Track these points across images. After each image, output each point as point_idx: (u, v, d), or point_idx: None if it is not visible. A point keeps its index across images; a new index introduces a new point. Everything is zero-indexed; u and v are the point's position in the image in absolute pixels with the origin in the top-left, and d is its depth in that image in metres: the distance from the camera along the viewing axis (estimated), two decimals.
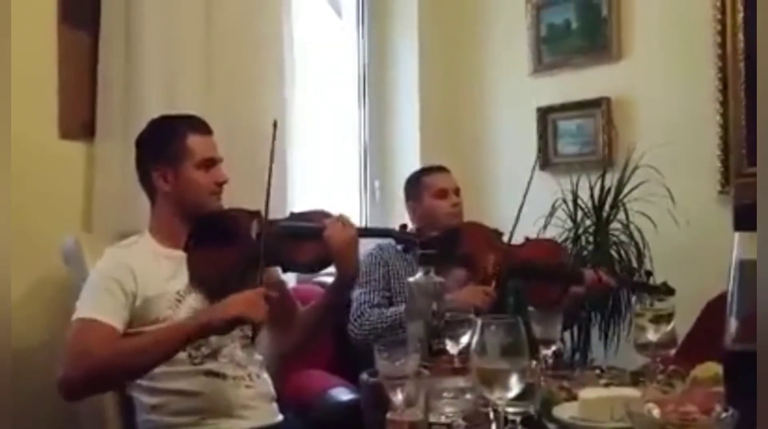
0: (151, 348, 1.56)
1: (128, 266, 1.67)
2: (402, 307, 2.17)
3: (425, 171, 2.52)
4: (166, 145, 1.75)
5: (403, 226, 1.87)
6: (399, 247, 2.27)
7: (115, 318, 1.60)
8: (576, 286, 2.23)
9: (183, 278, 1.72)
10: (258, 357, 1.81)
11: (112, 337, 1.58)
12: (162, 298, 1.67)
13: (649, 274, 2.21)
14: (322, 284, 2.36)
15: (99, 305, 1.61)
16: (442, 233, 2.23)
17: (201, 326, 1.55)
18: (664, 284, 2.07)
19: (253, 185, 2.37)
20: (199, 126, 1.80)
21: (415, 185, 2.49)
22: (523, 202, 2.19)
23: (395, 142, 3.31)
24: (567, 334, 2.59)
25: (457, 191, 2.44)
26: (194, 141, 1.76)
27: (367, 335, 2.19)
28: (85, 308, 1.61)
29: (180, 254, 1.75)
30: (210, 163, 1.77)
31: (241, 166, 2.34)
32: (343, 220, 1.77)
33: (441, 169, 2.50)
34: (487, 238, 2.28)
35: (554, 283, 2.21)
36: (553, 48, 3.09)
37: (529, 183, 2.21)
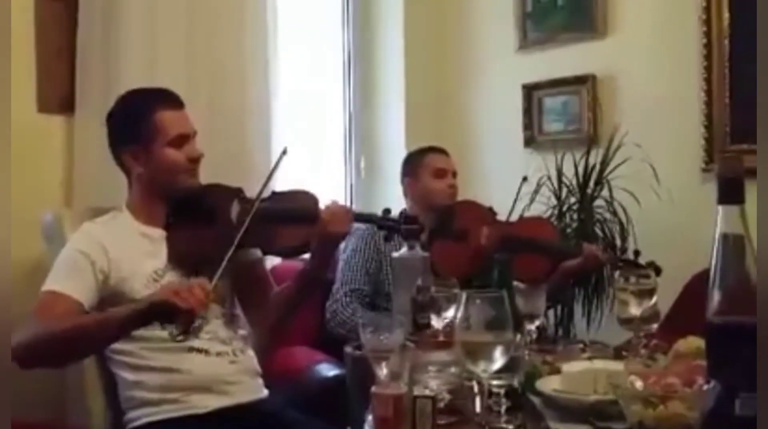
0: (95, 328, 1.53)
1: (101, 244, 1.64)
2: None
3: (426, 150, 2.54)
4: (135, 124, 1.69)
5: (387, 211, 1.83)
6: (381, 233, 2.27)
7: (81, 293, 1.58)
8: (570, 259, 2.28)
9: (161, 256, 1.70)
10: (242, 333, 1.79)
11: (74, 311, 1.56)
12: (137, 276, 1.65)
13: (637, 253, 2.23)
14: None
15: (66, 279, 1.60)
16: (437, 209, 2.29)
17: (136, 310, 1.48)
18: (652, 264, 2.09)
19: (235, 159, 2.35)
20: (169, 100, 1.73)
21: (414, 163, 2.51)
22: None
23: (381, 119, 3.29)
24: (550, 310, 2.61)
25: (454, 173, 2.49)
26: (164, 117, 1.69)
27: (335, 328, 2.27)
28: (52, 281, 1.60)
29: (159, 232, 1.73)
30: (182, 139, 1.71)
31: (224, 139, 2.32)
32: (339, 211, 1.72)
33: (441, 151, 2.53)
34: (481, 213, 2.33)
35: (545, 257, 2.25)
36: (539, 24, 3.08)
37: None
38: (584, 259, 2.26)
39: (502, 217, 2.35)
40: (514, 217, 2.37)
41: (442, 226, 2.20)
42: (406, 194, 2.51)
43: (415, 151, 2.58)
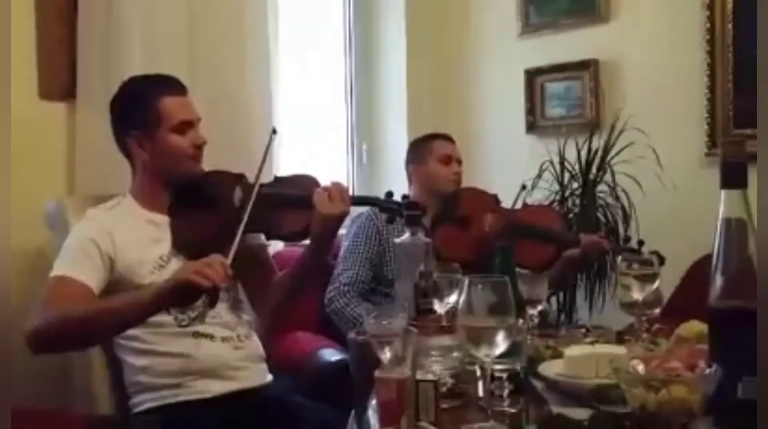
0: (116, 312, 1.52)
1: (108, 230, 1.65)
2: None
3: (432, 137, 2.55)
4: (139, 110, 1.69)
5: (389, 194, 1.83)
6: (383, 217, 2.27)
7: (90, 278, 1.58)
8: (571, 249, 2.27)
9: (166, 243, 1.70)
10: (247, 318, 1.80)
11: (85, 296, 1.56)
12: (143, 263, 1.66)
13: (641, 243, 2.23)
14: None
15: (75, 265, 1.60)
16: (442, 195, 2.31)
17: (158, 294, 1.46)
18: (656, 253, 2.10)
19: (236, 146, 2.35)
20: (173, 86, 1.73)
21: (420, 149, 2.52)
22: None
23: (382, 106, 3.28)
24: (553, 296, 2.62)
25: (459, 161, 2.49)
26: (168, 103, 1.69)
27: (330, 314, 2.28)
28: (61, 267, 1.60)
29: (163, 218, 1.73)
30: (186, 125, 1.71)
31: (225, 128, 2.31)
32: (333, 192, 1.69)
33: (447, 138, 2.54)
34: (485, 200, 2.34)
35: (549, 244, 2.26)
36: (541, 9, 3.06)
37: None
38: (584, 248, 2.26)
39: (504, 202, 2.36)
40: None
41: (446, 212, 2.21)
42: (410, 180, 2.51)
43: (422, 137, 2.59)
